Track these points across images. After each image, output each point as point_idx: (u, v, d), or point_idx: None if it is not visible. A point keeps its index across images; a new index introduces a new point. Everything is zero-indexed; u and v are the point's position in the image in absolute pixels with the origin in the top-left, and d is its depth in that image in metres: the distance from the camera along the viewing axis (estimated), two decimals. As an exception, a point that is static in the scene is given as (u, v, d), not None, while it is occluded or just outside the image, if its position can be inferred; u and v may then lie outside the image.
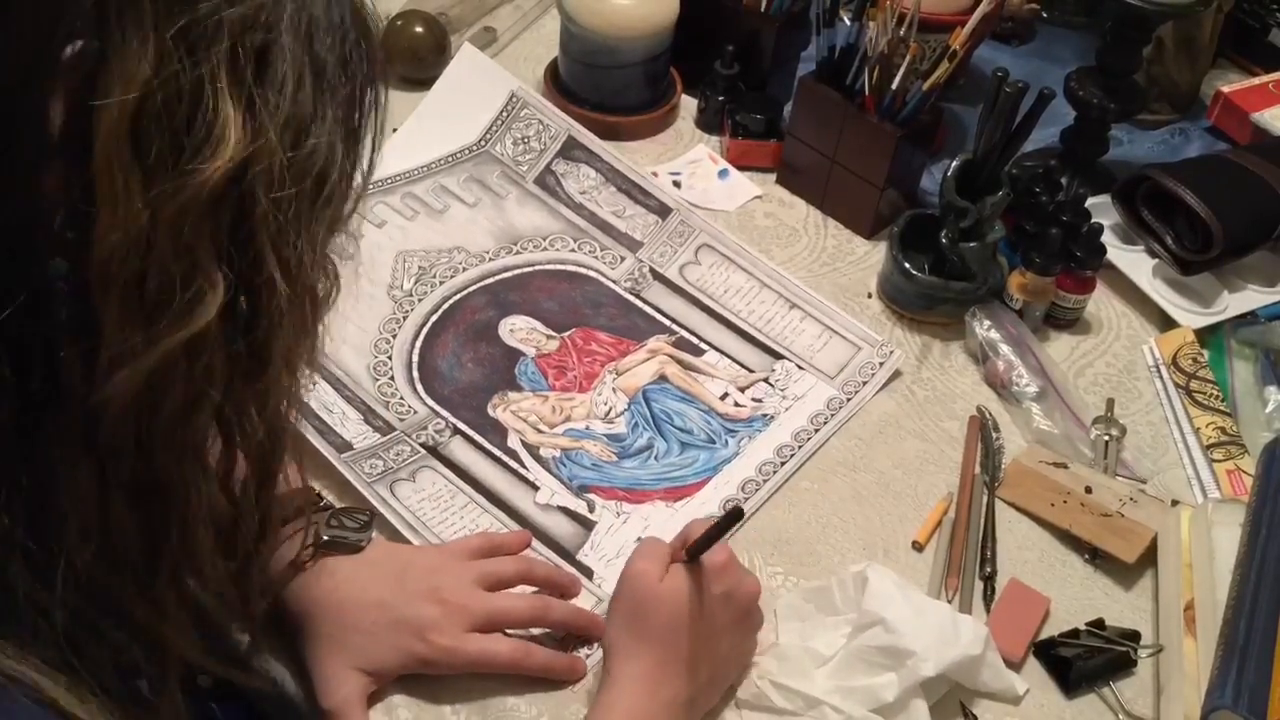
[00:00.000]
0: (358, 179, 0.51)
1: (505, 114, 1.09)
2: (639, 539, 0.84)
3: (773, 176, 1.17)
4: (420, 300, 0.98)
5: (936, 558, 0.86)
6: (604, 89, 1.18)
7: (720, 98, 1.20)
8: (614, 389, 0.94)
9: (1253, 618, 0.74)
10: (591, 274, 1.03)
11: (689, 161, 1.18)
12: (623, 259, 1.04)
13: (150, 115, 0.42)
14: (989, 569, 0.85)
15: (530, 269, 1.02)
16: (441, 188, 1.07)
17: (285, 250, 0.46)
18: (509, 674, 0.75)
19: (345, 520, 0.77)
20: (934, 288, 1.01)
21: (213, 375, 0.46)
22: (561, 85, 1.21)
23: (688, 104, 1.24)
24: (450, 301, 0.98)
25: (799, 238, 1.12)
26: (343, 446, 0.86)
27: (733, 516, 0.70)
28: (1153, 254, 1.09)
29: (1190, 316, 1.05)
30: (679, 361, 0.97)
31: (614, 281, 1.02)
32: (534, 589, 0.80)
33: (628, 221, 1.06)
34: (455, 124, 1.11)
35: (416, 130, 1.11)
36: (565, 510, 0.86)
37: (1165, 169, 1.08)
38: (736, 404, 0.94)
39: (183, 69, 0.42)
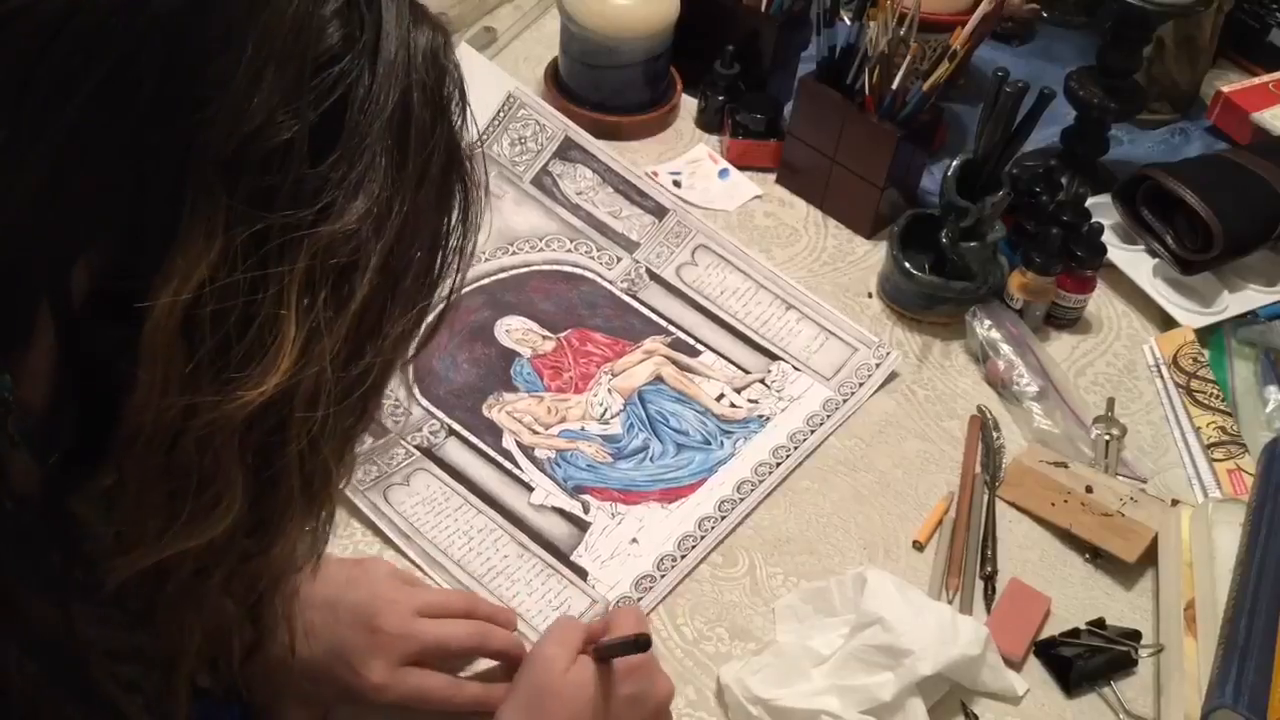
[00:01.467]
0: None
1: (502, 114, 1.09)
2: (634, 540, 0.84)
3: (773, 176, 1.17)
4: None
5: (937, 557, 0.86)
6: (604, 89, 1.18)
7: (720, 97, 1.20)
8: (610, 390, 0.94)
9: (1253, 617, 0.74)
10: (588, 274, 1.03)
11: (689, 161, 1.18)
12: (619, 260, 1.04)
13: (202, 318, 0.39)
14: (989, 568, 0.85)
15: (526, 269, 1.02)
16: None
17: (310, 465, 0.43)
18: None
19: None
20: (934, 287, 1.01)
21: (221, 560, 0.44)
22: (561, 85, 1.21)
23: (688, 104, 1.24)
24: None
25: (799, 237, 1.11)
26: None
27: (639, 645, 0.66)
28: (1153, 254, 1.09)
29: (1190, 316, 1.05)
30: (674, 362, 0.97)
31: (610, 282, 1.02)
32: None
33: (624, 222, 1.06)
34: None
35: None
36: (560, 511, 0.85)
37: (1165, 169, 1.08)
38: (732, 405, 0.94)
39: (244, 279, 0.39)
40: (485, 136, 1.10)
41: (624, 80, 1.18)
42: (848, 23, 1.07)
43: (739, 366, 0.97)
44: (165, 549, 0.41)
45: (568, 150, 1.08)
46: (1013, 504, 0.90)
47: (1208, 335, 1.04)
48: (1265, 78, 1.30)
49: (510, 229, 1.05)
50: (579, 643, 0.68)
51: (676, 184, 1.14)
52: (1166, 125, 1.31)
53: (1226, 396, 0.99)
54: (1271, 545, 0.78)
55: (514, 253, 1.03)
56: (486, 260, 1.02)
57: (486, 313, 0.98)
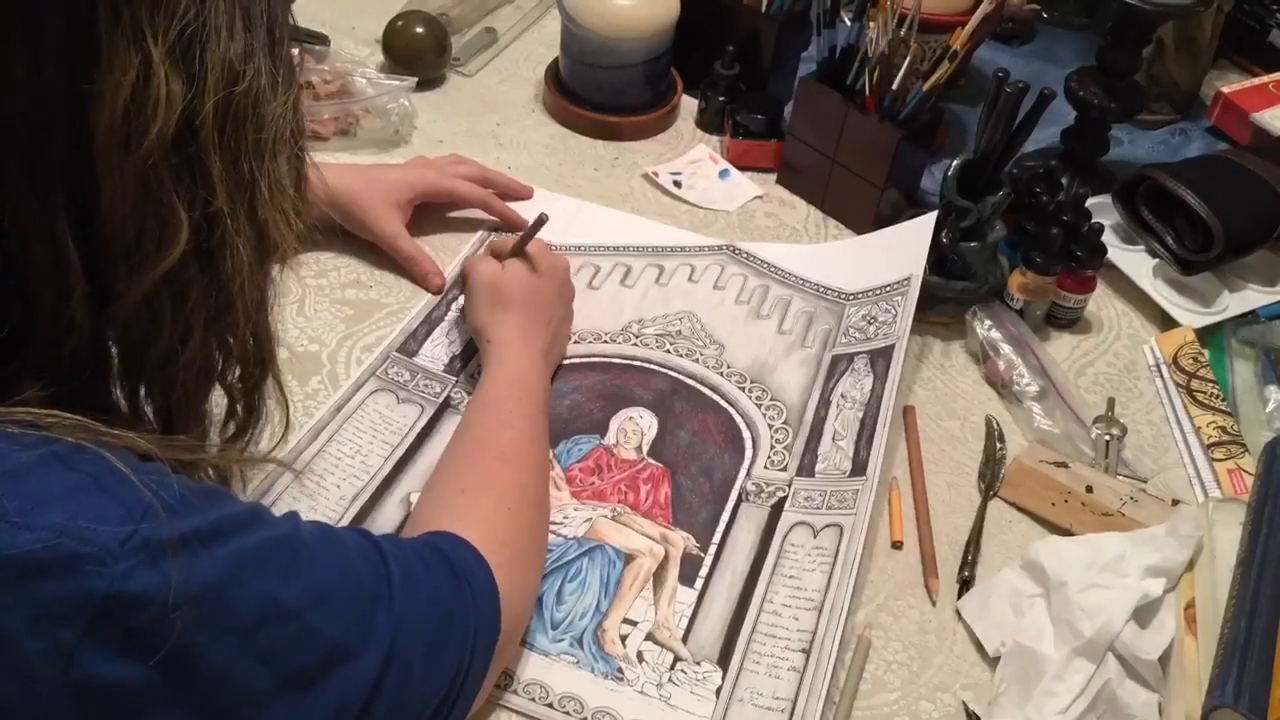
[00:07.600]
0: (288, 110, 0.54)
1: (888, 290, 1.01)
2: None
3: (773, 176, 1.18)
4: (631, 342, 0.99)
5: (943, 561, 0.86)
6: (604, 89, 1.18)
7: (721, 98, 1.20)
8: (589, 519, 0.84)
9: (1253, 617, 0.74)
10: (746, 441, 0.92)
11: (690, 162, 1.18)
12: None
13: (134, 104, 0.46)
14: (967, 573, 0.84)
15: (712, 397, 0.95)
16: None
17: (235, 177, 0.51)
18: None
19: None
20: (935, 287, 1.01)
21: (193, 310, 0.51)
22: (562, 85, 1.21)
23: (688, 104, 1.24)
24: (637, 363, 0.97)
25: (800, 238, 1.12)
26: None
27: (539, 222, 0.93)
28: (1153, 254, 1.09)
29: (1191, 316, 1.05)
30: (661, 565, 0.82)
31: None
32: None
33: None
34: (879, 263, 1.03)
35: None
36: None
37: (1165, 169, 1.08)
38: (630, 648, 0.77)
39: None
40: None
41: (624, 81, 1.18)
42: (848, 23, 1.07)
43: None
44: (140, 286, 0.49)
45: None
46: (1013, 504, 0.90)
47: (1208, 335, 1.05)
48: (1265, 78, 1.31)
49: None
50: (496, 259, 0.93)
51: (677, 184, 1.15)
52: (1166, 125, 1.31)
53: (1227, 396, 0.99)
54: (1271, 545, 0.78)
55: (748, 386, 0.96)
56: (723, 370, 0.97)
57: (644, 395, 0.94)
